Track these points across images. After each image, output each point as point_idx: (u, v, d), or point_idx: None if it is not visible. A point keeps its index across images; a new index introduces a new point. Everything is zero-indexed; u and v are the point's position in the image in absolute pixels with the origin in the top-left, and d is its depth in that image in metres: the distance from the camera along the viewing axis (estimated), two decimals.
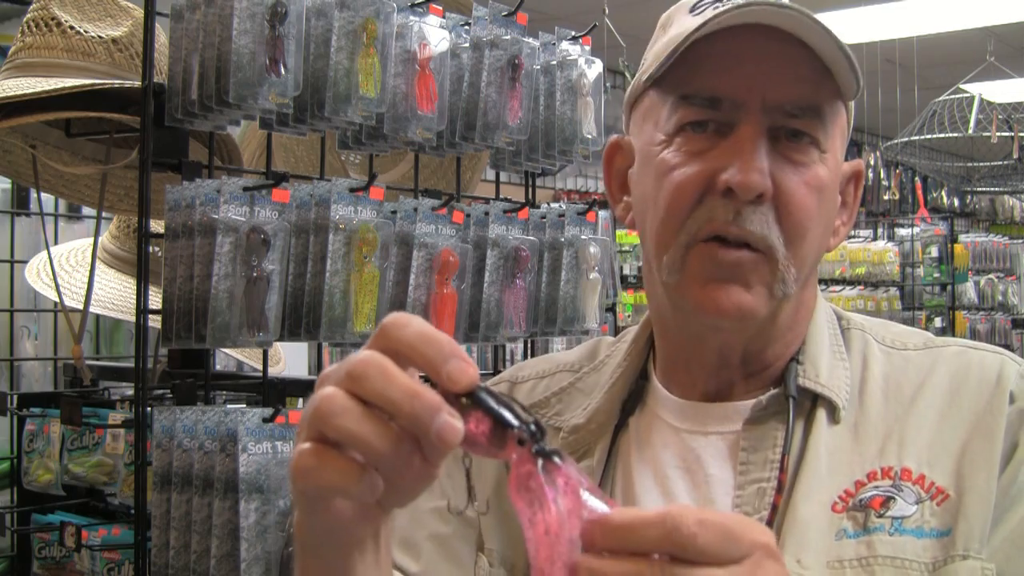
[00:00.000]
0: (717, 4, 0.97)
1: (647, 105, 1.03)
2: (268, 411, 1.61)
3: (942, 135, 6.28)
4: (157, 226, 1.84)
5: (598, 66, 2.20)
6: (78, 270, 2.43)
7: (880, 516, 0.95)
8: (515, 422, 0.64)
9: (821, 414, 1.01)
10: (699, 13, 0.98)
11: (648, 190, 1.02)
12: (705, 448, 1.03)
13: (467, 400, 0.64)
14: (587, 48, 2.20)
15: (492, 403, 0.64)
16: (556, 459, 0.64)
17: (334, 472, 0.65)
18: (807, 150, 0.98)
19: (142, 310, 1.70)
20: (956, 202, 10.80)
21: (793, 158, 0.97)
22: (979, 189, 8.74)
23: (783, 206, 0.96)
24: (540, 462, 0.63)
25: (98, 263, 2.31)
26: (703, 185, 0.96)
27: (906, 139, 6.48)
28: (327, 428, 0.65)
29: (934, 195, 10.56)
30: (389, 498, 0.69)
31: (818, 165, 0.98)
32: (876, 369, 1.04)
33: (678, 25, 1.01)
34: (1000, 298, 9.05)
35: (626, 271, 7.15)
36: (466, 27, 1.99)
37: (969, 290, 8.85)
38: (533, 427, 0.64)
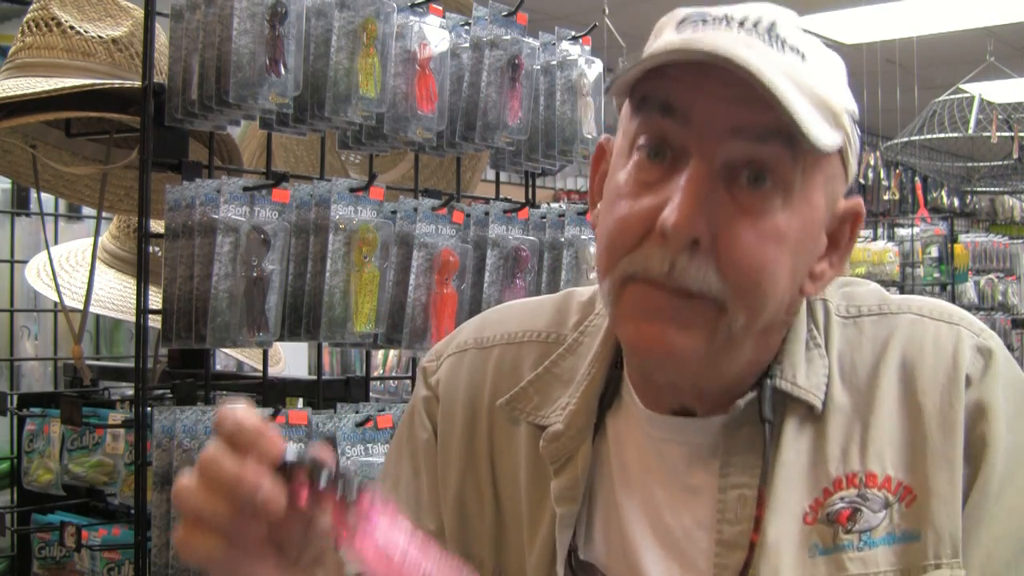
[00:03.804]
0: (698, 24, 0.92)
1: (623, 111, 0.99)
2: (268, 411, 1.61)
3: (942, 135, 6.26)
4: (157, 226, 1.84)
5: (598, 66, 2.20)
6: (78, 270, 2.43)
7: (848, 532, 0.93)
8: (322, 478, 0.79)
9: (793, 419, 0.97)
10: (682, 30, 0.93)
11: (603, 207, 0.99)
12: (682, 457, 1.00)
13: (281, 471, 0.80)
14: (587, 48, 2.20)
15: (302, 466, 0.80)
16: (362, 492, 0.80)
17: (196, 538, 0.83)
18: (768, 196, 0.90)
19: (142, 310, 1.70)
20: (956, 202, 10.77)
21: (748, 206, 0.90)
22: (979, 189, 8.72)
23: (724, 256, 0.89)
24: (350, 499, 0.80)
25: (98, 263, 2.31)
26: (645, 225, 0.91)
27: (906, 139, 6.47)
28: (182, 506, 0.83)
29: (934, 195, 10.53)
30: (265, 551, 0.85)
31: (778, 213, 0.90)
32: (833, 349, 1.00)
33: (663, 40, 0.95)
34: (1000, 298, 9.03)
35: None
36: (466, 27, 1.99)
37: (969, 290, 8.83)
38: (332, 471, 0.80)
